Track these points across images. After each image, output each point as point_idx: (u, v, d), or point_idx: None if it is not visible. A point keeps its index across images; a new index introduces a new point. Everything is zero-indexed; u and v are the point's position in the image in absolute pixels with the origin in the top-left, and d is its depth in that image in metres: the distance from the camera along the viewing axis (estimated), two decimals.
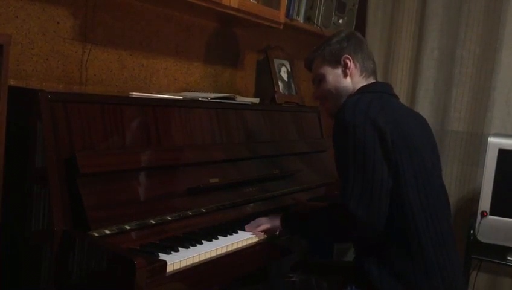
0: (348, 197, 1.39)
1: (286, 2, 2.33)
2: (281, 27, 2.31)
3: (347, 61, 1.59)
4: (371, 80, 1.62)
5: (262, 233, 1.63)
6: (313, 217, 1.59)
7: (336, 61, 1.61)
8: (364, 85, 1.59)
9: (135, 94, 1.70)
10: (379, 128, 1.40)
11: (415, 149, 1.45)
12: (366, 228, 1.41)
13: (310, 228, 1.58)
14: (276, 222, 1.63)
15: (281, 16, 2.27)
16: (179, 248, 1.40)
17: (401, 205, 1.42)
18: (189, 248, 1.42)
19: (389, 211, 1.42)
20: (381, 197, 1.39)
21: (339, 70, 1.61)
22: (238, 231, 1.62)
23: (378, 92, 1.56)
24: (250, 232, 1.61)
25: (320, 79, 1.65)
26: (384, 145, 1.40)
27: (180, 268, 1.32)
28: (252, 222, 1.67)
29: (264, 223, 1.64)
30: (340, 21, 2.84)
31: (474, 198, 2.61)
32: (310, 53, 1.70)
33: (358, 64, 1.60)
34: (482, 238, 2.37)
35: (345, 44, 1.61)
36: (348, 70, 1.59)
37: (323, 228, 1.53)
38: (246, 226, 1.65)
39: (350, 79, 1.60)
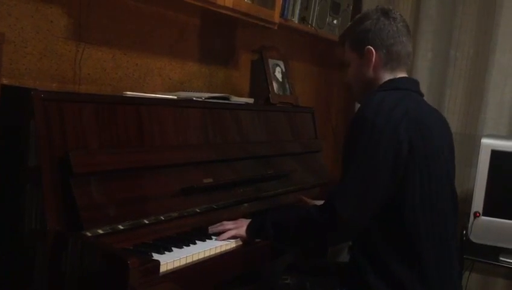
0: (338, 194, 1.36)
1: (281, 2, 2.33)
2: (276, 27, 2.31)
3: (369, 54, 1.51)
4: (398, 73, 1.52)
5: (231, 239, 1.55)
6: (286, 218, 1.51)
7: (361, 50, 1.52)
8: (390, 80, 1.51)
9: (129, 93, 1.70)
10: (398, 136, 1.34)
11: (432, 158, 1.40)
12: (344, 230, 1.39)
13: (282, 232, 1.50)
14: (242, 231, 1.55)
15: (276, 16, 2.27)
16: (173, 248, 1.39)
17: (404, 217, 1.38)
18: (182, 248, 1.42)
19: (390, 220, 1.38)
20: (370, 206, 1.36)
21: (363, 61, 1.53)
22: (210, 233, 1.58)
23: (404, 90, 1.49)
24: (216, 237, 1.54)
25: (348, 64, 1.60)
26: (397, 155, 1.34)
27: (173, 268, 1.32)
28: (218, 224, 1.59)
29: (230, 231, 1.55)
30: (335, 21, 2.85)
31: (467, 199, 2.62)
32: (343, 31, 1.64)
33: (382, 55, 1.50)
34: (474, 238, 2.38)
35: (372, 30, 1.50)
36: (370, 63, 1.51)
37: (298, 229, 1.47)
38: (210, 228, 1.58)
39: (373, 71, 1.52)
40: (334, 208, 1.35)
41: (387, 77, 1.52)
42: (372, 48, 1.50)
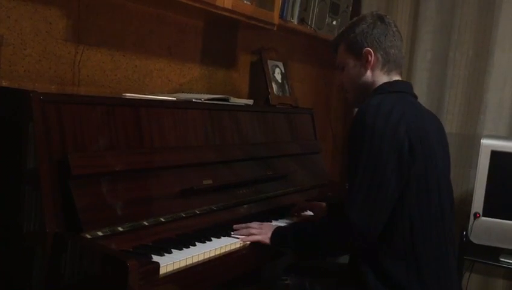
0: (350, 204, 1.38)
1: (280, 3, 2.33)
2: (275, 28, 2.31)
3: (368, 55, 1.53)
4: (393, 76, 1.56)
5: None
6: (306, 230, 1.55)
7: (358, 52, 1.55)
8: (386, 83, 1.54)
9: (128, 95, 1.70)
10: (398, 138, 1.37)
11: (431, 158, 1.43)
12: (361, 237, 1.39)
13: (302, 243, 1.53)
14: (266, 239, 1.58)
15: (275, 18, 2.27)
16: (172, 250, 1.39)
17: (403, 216, 1.40)
18: (182, 249, 1.42)
19: (390, 220, 1.40)
20: (382, 210, 1.37)
21: (360, 63, 1.56)
22: (232, 233, 1.61)
23: (400, 92, 1.52)
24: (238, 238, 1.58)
25: (343, 67, 1.62)
26: (399, 155, 1.37)
27: (173, 270, 1.32)
28: (243, 225, 1.63)
29: (255, 236, 1.59)
30: (334, 23, 2.85)
31: (467, 199, 2.62)
32: (336, 36, 1.66)
33: (380, 57, 1.53)
34: (474, 239, 2.38)
35: (370, 33, 1.53)
36: (368, 64, 1.54)
37: (318, 241, 1.50)
38: (235, 227, 1.62)
39: (371, 72, 1.55)
40: (351, 222, 1.37)
41: (383, 79, 1.55)
42: (370, 50, 1.53)
